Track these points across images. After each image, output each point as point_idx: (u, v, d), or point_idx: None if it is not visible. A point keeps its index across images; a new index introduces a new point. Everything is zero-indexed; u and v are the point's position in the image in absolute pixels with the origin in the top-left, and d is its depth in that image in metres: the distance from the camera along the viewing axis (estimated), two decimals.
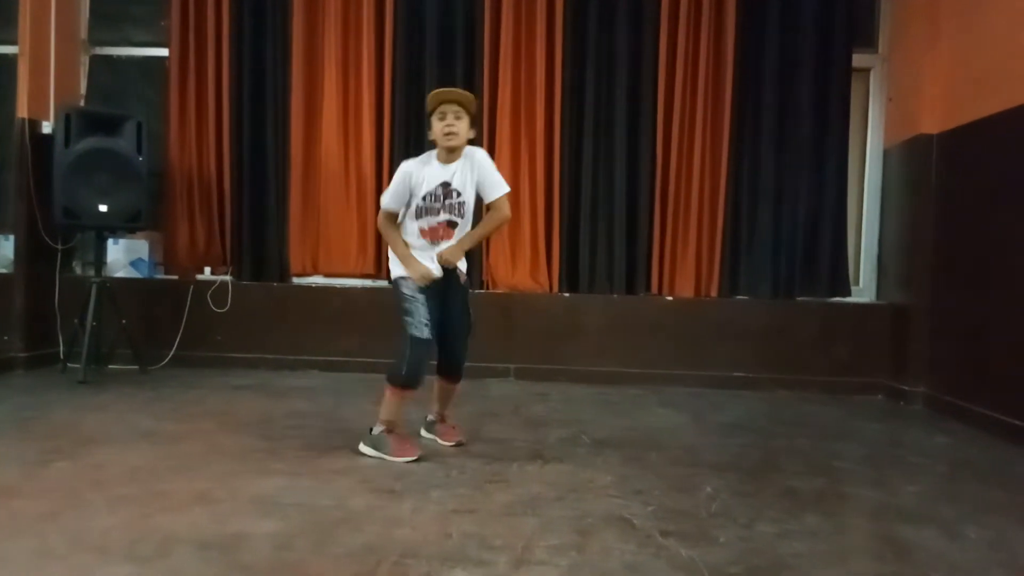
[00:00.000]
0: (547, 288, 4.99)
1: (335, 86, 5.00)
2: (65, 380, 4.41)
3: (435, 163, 2.95)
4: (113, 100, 5.37)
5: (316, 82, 5.05)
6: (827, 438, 3.57)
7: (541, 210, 4.98)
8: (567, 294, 5.01)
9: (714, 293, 4.93)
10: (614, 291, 4.97)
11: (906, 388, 4.50)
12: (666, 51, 4.89)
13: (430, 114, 2.93)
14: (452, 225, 2.96)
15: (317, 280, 5.17)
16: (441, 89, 2.97)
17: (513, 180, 4.93)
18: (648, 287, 4.99)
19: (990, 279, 3.90)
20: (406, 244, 3.00)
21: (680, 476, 2.80)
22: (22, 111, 4.72)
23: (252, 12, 5.07)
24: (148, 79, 5.44)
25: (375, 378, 4.60)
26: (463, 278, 3.05)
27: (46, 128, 4.81)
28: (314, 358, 4.97)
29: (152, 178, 4.80)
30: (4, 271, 4.86)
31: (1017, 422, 3.53)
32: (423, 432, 3.25)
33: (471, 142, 2.98)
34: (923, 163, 4.48)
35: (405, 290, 2.93)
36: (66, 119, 4.43)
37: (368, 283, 5.11)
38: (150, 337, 4.89)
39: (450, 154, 2.93)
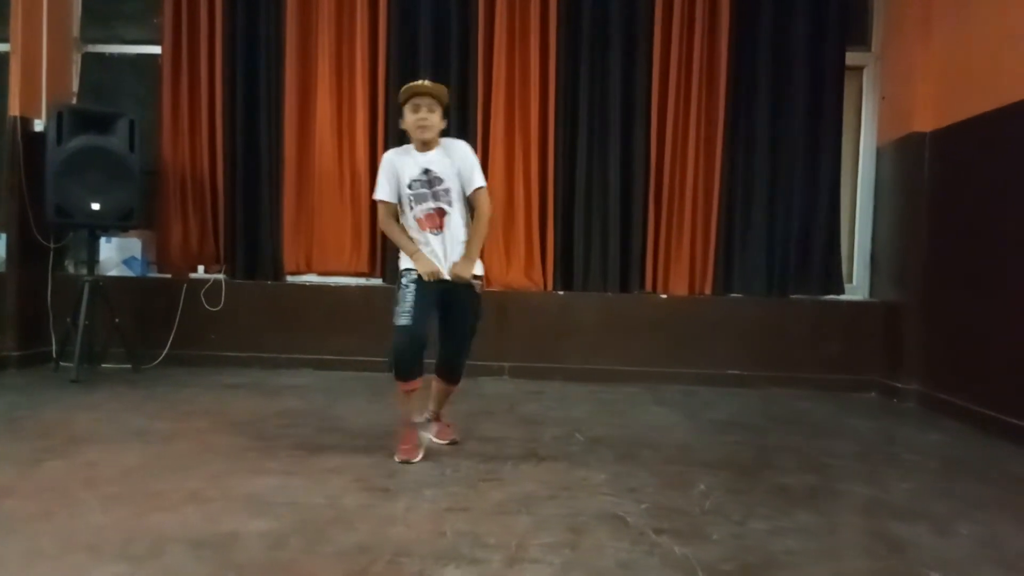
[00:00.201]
0: (541, 286, 4.99)
1: (329, 83, 4.99)
2: (58, 379, 4.40)
3: (413, 152, 2.99)
4: (105, 98, 5.35)
5: (310, 79, 5.04)
6: (820, 435, 3.58)
7: (535, 208, 4.98)
8: (561, 292, 5.01)
9: (708, 291, 4.94)
10: (608, 289, 4.97)
11: (899, 385, 4.52)
12: (660, 49, 4.89)
13: (402, 104, 2.96)
14: (444, 213, 2.96)
15: (311, 279, 5.16)
16: (414, 82, 2.97)
17: (507, 178, 4.95)
18: (642, 285, 4.99)
19: (983, 276, 3.91)
20: (411, 240, 2.99)
21: (673, 474, 2.81)
22: (14, 109, 4.70)
23: (245, 9, 5.05)
24: (141, 77, 5.43)
25: (369, 377, 4.65)
26: (478, 286, 3.02)
27: (38, 126, 4.80)
28: (308, 357, 4.96)
29: (145, 176, 4.77)
30: None
31: (1009, 419, 3.55)
32: (419, 431, 3.24)
33: (445, 132, 3.02)
34: (916, 161, 4.49)
35: (403, 279, 2.93)
36: (58, 117, 4.41)
37: (362, 281, 5.11)
38: (143, 336, 4.88)
39: (424, 145, 2.96)
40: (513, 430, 3.46)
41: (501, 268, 4.98)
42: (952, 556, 2.09)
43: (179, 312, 4.94)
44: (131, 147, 4.56)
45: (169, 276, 5.14)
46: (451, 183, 2.96)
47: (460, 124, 4.89)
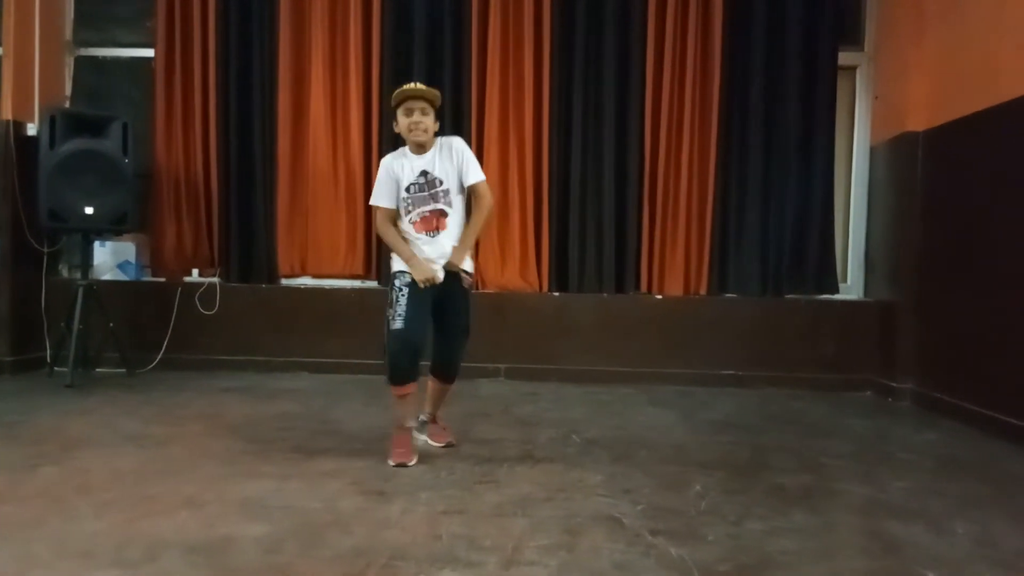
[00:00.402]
0: (537, 288, 4.99)
1: (323, 86, 4.98)
2: (52, 384, 4.38)
3: (410, 155, 2.98)
4: (98, 101, 5.33)
5: (304, 82, 5.03)
6: (815, 435, 3.59)
7: (530, 209, 4.98)
8: (557, 293, 5.01)
9: (703, 291, 4.95)
10: (603, 290, 4.98)
11: (894, 384, 4.53)
12: (654, 50, 4.90)
13: (395, 108, 2.95)
14: (443, 214, 2.95)
15: (306, 281, 5.15)
16: (406, 87, 2.96)
17: (502, 179, 4.94)
18: (637, 286, 5.00)
19: (977, 275, 3.92)
20: (407, 242, 2.98)
21: (669, 474, 2.81)
22: (6, 113, 4.69)
23: (238, 12, 5.04)
24: (134, 80, 5.41)
25: (365, 380, 4.64)
26: (468, 281, 3.04)
27: (31, 130, 4.79)
28: (303, 360, 4.95)
29: (138, 180, 4.76)
30: None
31: (1004, 418, 3.56)
32: (415, 433, 3.24)
33: (438, 133, 3.01)
34: (909, 160, 4.50)
35: (396, 281, 2.92)
36: (51, 121, 4.40)
37: (357, 284, 5.10)
38: (137, 340, 4.86)
39: (420, 147, 2.96)
40: (509, 432, 3.46)
41: (496, 269, 4.98)
42: (948, 555, 2.10)
43: (174, 316, 4.93)
44: (124, 151, 4.55)
45: (163, 280, 5.13)
46: (450, 183, 2.95)
47: (454, 125, 4.89)
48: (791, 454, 3.18)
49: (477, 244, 4.88)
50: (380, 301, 3.06)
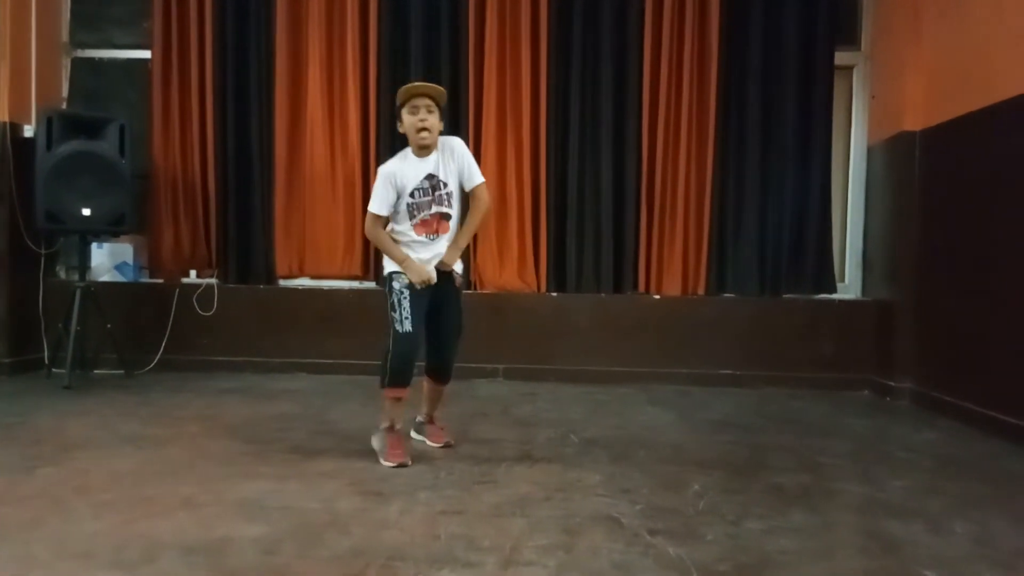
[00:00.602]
0: (535, 288, 4.99)
1: (320, 87, 4.98)
2: (50, 385, 4.37)
3: (413, 158, 2.93)
4: (95, 103, 5.32)
5: (301, 83, 5.02)
6: (814, 434, 3.59)
7: (528, 210, 4.98)
8: (555, 294, 5.01)
9: (701, 291, 4.95)
10: (601, 290, 4.98)
11: (892, 384, 4.53)
12: (651, 50, 4.90)
13: (400, 107, 2.92)
14: (446, 217, 2.94)
15: (304, 282, 5.14)
16: (413, 83, 2.95)
17: (499, 180, 4.94)
18: (635, 286, 5.00)
19: (975, 274, 3.93)
20: (397, 243, 2.96)
21: (668, 474, 2.81)
22: (3, 115, 4.68)
23: (235, 13, 5.04)
24: (131, 81, 5.40)
25: (363, 380, 4.63)
26: (459, 280, 3.04)
27: (28, 132, 4.78)
28: (301, 361, 4.95)
29: (136, 181, 4.75)
30: None
31: (1003, 417, 3.56)
32: (412, 433, 3.24)
33: (441, 134, 2.99)
34: (907, 160, 4.51)
35: (395, 283, 2.91)
36: (48, 122, 4.40)
37: (355, 285, 5.10)
38: (135, 341, 4.86)
39: (422, 149, 2.92)
40: (507, 432, 3.46)
41: (494, 270, 4.98)
42: (947, 554, 2.10)
43: (171, 317, 4.92)
44: (121, 152, 4.54)
45: (161, 281, 5.12)
46: (453, 186, 2.94)
47: (452, 125, 4.87)
48: (790, 453, 3.18)
49: (475, 245, 4.90)
50: (379, 302, 3.05)
